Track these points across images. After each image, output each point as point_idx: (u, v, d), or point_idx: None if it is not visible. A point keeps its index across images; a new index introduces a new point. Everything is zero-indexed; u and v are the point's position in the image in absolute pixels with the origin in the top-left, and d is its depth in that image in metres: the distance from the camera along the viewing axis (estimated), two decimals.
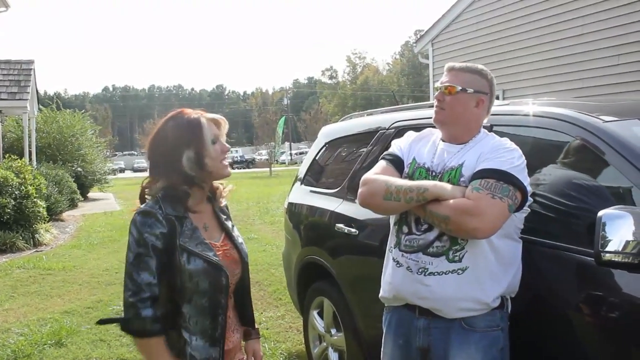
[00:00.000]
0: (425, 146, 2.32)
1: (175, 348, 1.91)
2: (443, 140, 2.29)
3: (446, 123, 2.25)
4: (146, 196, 1.99)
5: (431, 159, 2.24)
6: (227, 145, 2.05)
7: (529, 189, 2.10)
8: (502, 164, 2.05)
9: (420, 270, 2.14)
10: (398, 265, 2.24)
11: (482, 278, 2.09)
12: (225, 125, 2.07)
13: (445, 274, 2.10)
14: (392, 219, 2.34)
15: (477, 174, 2.06)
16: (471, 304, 2.10)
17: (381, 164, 2.35)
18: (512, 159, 2.08)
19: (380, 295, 2.39)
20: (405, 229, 2.23)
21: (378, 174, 2.28)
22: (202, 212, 2.03)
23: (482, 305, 2.10)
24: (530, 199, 2.15)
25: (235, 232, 2.13)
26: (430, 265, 2.12)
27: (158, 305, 1.86)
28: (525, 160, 2.13)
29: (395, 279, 2.26)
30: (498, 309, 2.13)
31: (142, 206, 1.94)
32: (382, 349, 2.40)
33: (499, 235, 2.06)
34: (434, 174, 2.20)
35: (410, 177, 2.24)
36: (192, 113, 2.01)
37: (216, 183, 2.11)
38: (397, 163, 2.32)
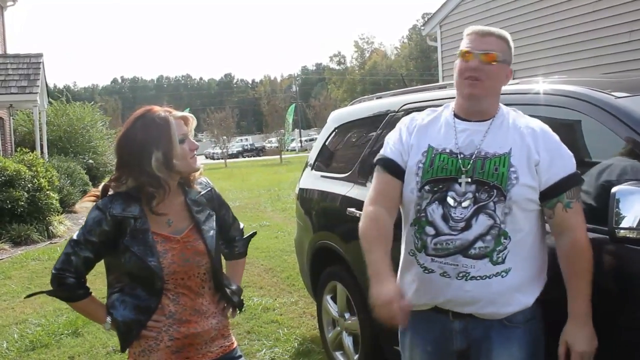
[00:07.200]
0: (435, 127, 2.05)
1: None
2: (459, 117, 2.03)
3: (482, 97, 1.97)
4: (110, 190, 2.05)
5: (454, 141, 1.98)
6: (196, 143, 2.06)
7: None
8: (571, 165, 1.95)
9: (460, 275, 1.90)
10: (427, 272, 1.96)
11: (524, 279, 1.94)
12: (193, 122, 2.08)
13: (489, 277, 1.89)
14: (404, 215, 2.09)
15: (562, 186, 1.92)
16: (515, 307, 1.94)
17: (377, 175, 2.09)
18: (568, 151, 1.97)
19: None
20: (430, 231, 1.94)
21: (377, 188, 2.06)
22: (170, 206, 2.03)
23: (523, 306, 1.96)
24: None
25: (208, 225, 2.09)
26: (472, 269, 1.89)
27: (82, 276, 2.07)
28: None
29: (424, 286, 2.00)
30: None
31: (100, 201, 2.02)
32: (404, 353, 2.19)
33: (538, 232, 1.98)
34: (462, 156, 1.95)
35: (430, 165, 1.97)
36: (161, 111, 2.00)
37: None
38: (392, 168, 2.04)
